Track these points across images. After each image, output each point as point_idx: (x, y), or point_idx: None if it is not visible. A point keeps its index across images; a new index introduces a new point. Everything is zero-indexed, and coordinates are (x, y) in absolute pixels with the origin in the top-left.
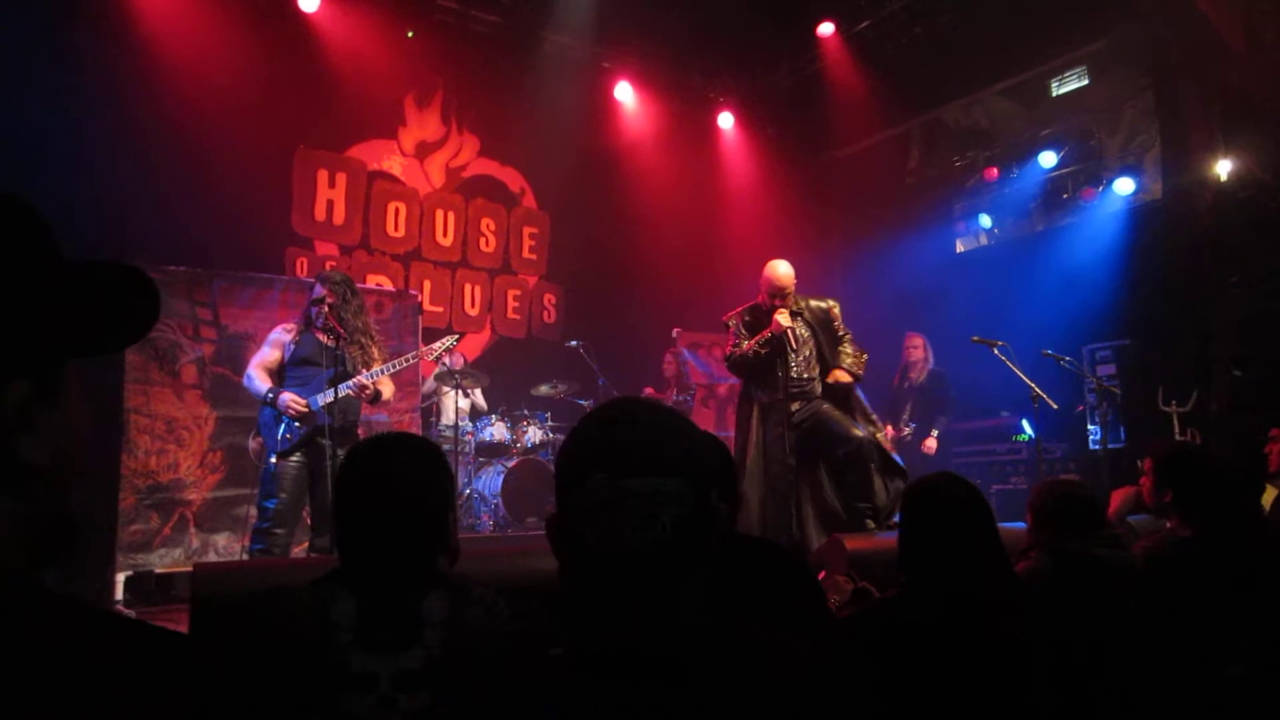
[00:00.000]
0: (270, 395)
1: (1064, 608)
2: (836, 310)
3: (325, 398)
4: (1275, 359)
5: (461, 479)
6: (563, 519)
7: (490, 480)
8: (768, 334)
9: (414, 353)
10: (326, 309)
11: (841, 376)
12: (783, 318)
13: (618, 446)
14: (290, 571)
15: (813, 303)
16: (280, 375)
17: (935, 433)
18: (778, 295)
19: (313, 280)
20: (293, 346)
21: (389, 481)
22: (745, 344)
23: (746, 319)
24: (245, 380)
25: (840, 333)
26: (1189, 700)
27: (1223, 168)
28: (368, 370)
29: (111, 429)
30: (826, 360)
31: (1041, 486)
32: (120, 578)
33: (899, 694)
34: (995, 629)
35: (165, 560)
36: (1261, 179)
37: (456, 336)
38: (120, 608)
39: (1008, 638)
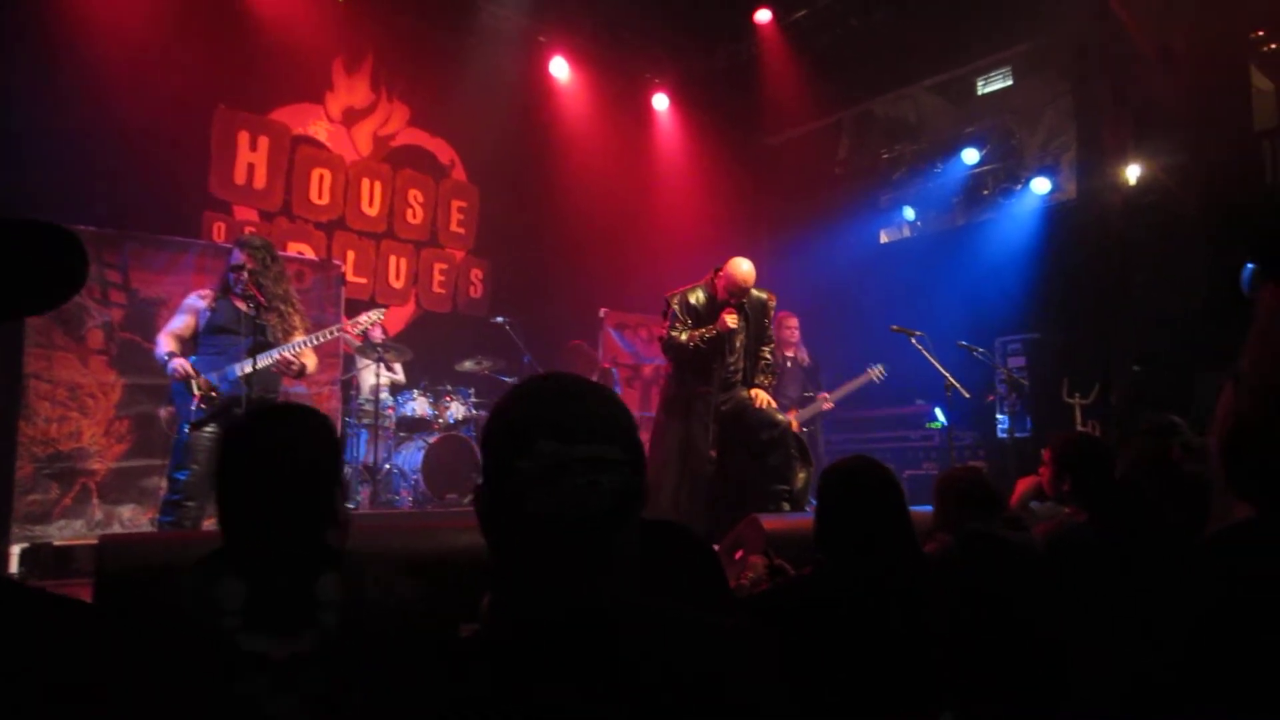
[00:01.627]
0: (165, 358)
1: (970, 585)
2: (773, 305)
3: (243, 368)
4: (1174, 356)
5: (381, 454)
6: (501, 486)
7: (410, 456)
8: (714, 331)
9: (337, 325)
10: (246, 275)
11: (762, 398)
12: (731, 319)
13: (565, 415)
14: (202, 544)
15: (754, 292)
16: (195, 343)
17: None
18: (735, 294)
19: (231, 245)
20: (208, 313)
21: (278, 454)
22: (685, 335)
23: (690, 303)
24: (154, 346)
25: (768, 330)
26: (1082, 674)
27: (1132, 172)
28: (289, 340)
29: (9, 395)
30: (752, 352)
31: (947, 473)
32: (15, 550)
33: (812, 668)
34: (907, 607)
35: (65, 532)
36: (1167, 185)
37: (382, 310)
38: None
39: (918, 615)
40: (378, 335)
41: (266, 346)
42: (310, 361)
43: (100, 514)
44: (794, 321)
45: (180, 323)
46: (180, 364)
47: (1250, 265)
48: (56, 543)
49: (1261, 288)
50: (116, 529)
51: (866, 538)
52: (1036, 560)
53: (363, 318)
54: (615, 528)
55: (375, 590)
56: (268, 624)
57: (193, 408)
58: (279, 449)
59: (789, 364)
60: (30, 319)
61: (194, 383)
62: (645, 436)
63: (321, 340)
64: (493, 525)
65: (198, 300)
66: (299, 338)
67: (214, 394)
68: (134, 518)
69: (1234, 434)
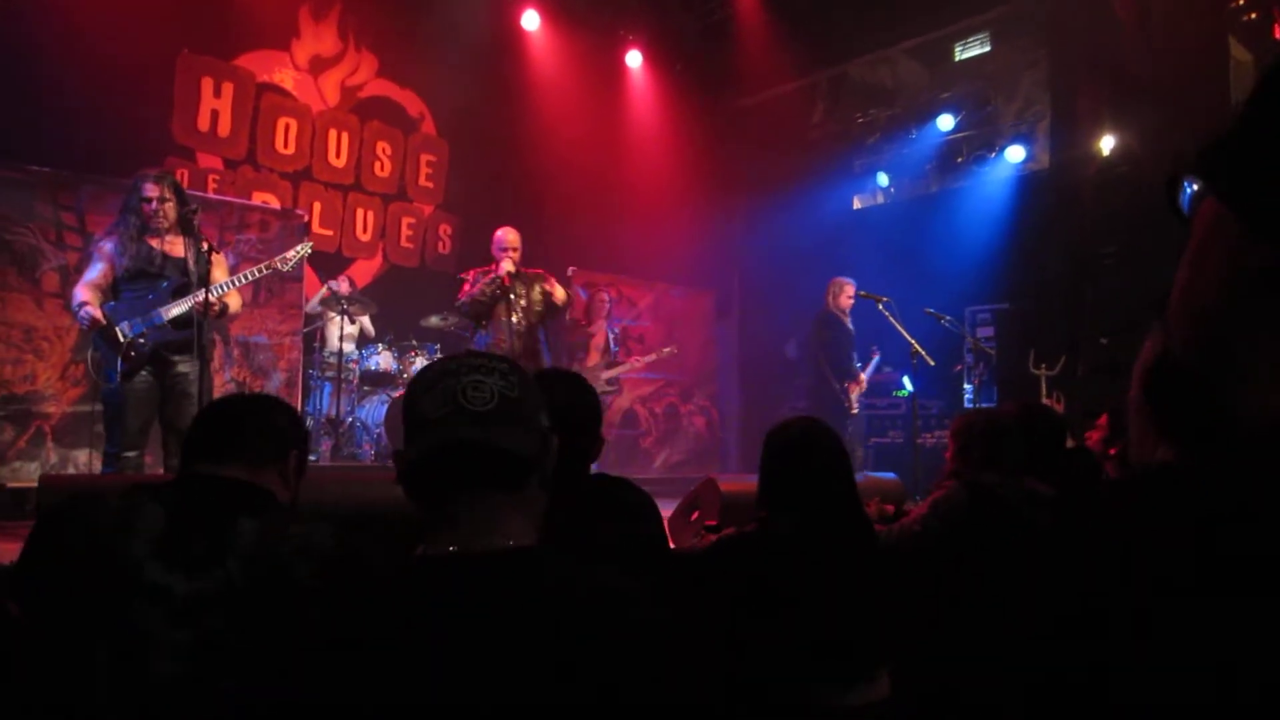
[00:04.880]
0: (76, 308)
1: (968, 541)
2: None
3: (170, 310)
4: (1143, 328)
5: (345, 407)
6: (409, 433)
7: (374, 409)
8: (490, 275)
9: (265, 263)
10: (164, 208)
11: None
12: (506, 264)
13: (467, 356)
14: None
15: (546, 286)
16: (114, 290)
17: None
18: (501, 249)
19: (136, 179)
20: (124, 259)
21: (237, 403)
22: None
23: (485, 273)
24: (71, 298)
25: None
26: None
27: (1106, 143)
28: (211, 278)
29: None
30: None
31: (969, 416)
32: None
33: (750, 621)
34: (846, 564)
35: (19, 475)
36: (1141, 155)
37: (309, 244)
38: None
39: (858, 573)
40: (345, 287)
41: (191, 288)
42: (234, 301)
43: (55, 457)
44: (851, 289)
45: (96, 271)
46: (90, 312)
47: (1188, 184)
48: (10, 484)
49: (1201, 204)
50: (71, 472)
51: (806, 496)
52: (1040, 538)
53: (290, 253)
54: (504, 433)
55: (293, 541)
56: (177, 558)
57: (119, 363)
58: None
59: (852, 330)
60: None
61: (117, 332)
62: (609, 396)
63: (253, 277)
64: (404, 470)
65: (108, 244)
66: (221, 276)
67: (140, 341)
68: (90, 462)
69: (1160, 368)
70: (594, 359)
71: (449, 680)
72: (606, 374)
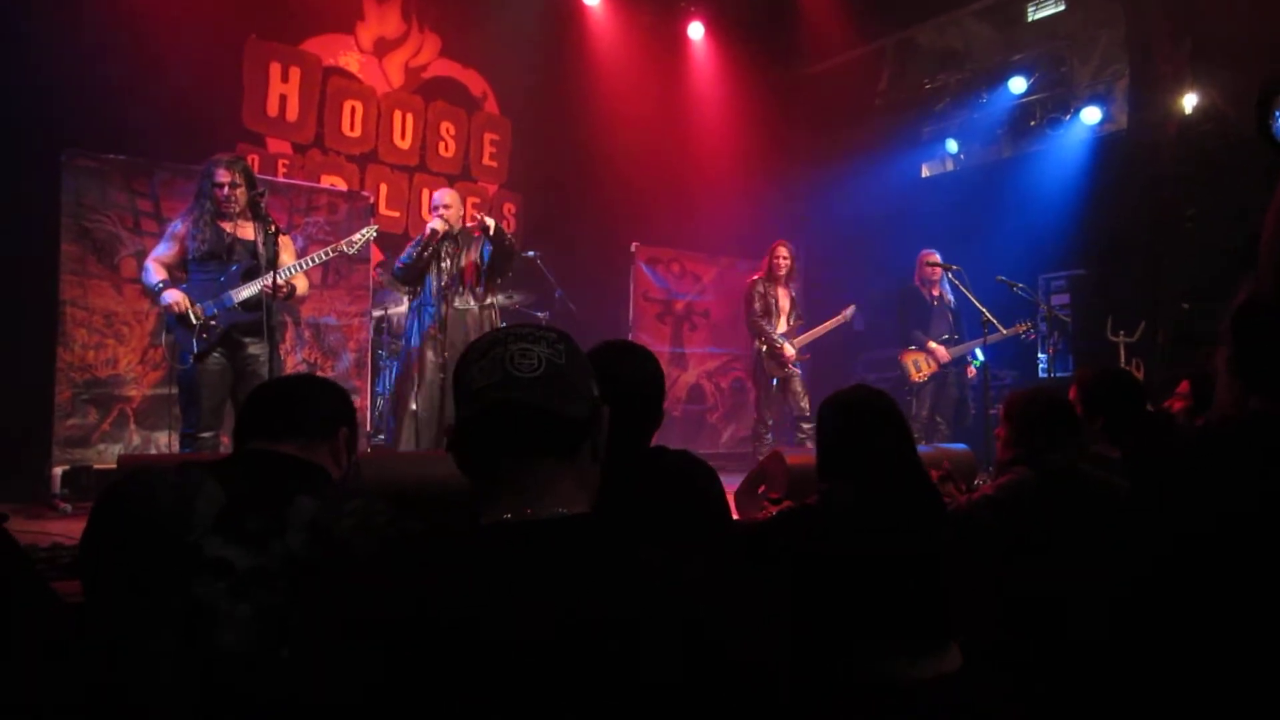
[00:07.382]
0: (159, 286)
1: (1045, 523)
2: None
3: (240, 293)
4: (1226, 293)
5: None
6: (457, 377)
7: None
8: (421, 237)
9: (331, 246)
10: (235, 193)
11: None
12: (436, 223)
13: (517, 325)
14: None
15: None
16: (184, 271)
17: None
18: (430, 209)
19: (208, 165)
20: (196, 243)
21: (288, 382)
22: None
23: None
24: (142, 273)
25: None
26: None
27: (1189, 101)
28: (278, 261)
29: (47, 321)
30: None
31: (1021, 395)
32: (57, 471)
33: (813, 595)
34: (911, 535)
35: (105, 456)
36: (1225, 112)
37: (375, 228)
38: (58, 502)
39: (923, 543)
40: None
41: (260, 270)
42: (300, 284)
43: (138, 439)
44: (935, 257)
45: (166, 250)
46: (175, 296)
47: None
48: (96, 466)
49: None
50: (151, 453)
51: (861, 463)
52: (1120, 505)
53: (356, 236)
54: (551, 398)
55: (352, 518)
56: (236, 532)
57: (194, 345)
58: (294, 382)
59: (935, 303)
60: (64, 247)
61: (191, 314)
62: (675, 371)
63: (319, 261)
64: (454, 440)
65: (180, 227)
66: (288, 259)
67: (213, 323)
68: (170, 444)
69: (1248, 315)
70: (783, 324)
71: (506, 648)
72: (799, 340)
